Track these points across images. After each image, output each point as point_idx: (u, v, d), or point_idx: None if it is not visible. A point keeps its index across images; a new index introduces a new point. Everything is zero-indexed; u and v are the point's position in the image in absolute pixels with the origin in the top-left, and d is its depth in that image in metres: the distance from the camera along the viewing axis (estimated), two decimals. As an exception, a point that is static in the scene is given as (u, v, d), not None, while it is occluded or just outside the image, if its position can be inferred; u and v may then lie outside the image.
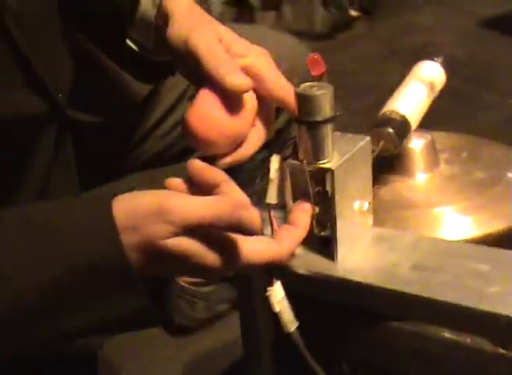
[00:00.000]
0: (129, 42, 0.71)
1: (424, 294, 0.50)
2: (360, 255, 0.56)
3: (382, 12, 3.03)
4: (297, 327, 0.54)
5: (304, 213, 0.53)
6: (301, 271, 0.55)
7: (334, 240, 0.54)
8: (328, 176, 0.52)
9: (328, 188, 0.52)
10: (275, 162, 0.54)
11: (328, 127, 0.51)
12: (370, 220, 0.59)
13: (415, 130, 0.72)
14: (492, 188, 0.68)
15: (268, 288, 0.53)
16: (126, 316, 0.51)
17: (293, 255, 0.55)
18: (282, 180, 0.55)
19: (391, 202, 0.69)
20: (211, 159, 0.56)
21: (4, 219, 0.49)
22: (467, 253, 0.54)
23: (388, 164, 0.73)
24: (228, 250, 0.49)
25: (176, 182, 0.52)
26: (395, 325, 0.53)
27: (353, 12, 3.05)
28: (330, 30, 2.88)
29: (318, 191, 0.54)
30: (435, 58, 0.76)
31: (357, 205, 0.56)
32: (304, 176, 0.52)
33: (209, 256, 0.49)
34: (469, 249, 0.55)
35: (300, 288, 0.56)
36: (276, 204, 0.55)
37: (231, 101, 0.56)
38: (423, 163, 0.72)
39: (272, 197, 0.55)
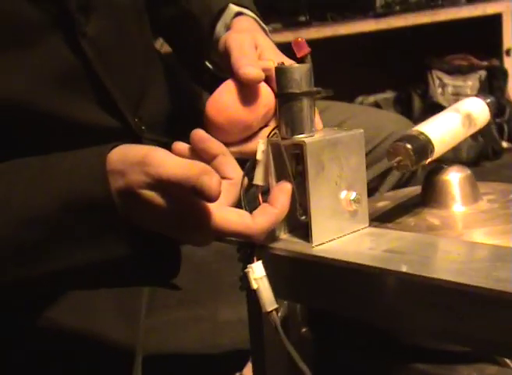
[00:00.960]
0: (206, 62, 0.79)
1: (386, 266, 0.47)
2: (340, 242, 0.54)
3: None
4: (275, 309, 0.53)
5: (282, 193, 0.54)
6: (277, 251, 0.55)
7: (309, 219, 0.53)
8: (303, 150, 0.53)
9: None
10: (262, 144, 0.56)
11: (305, 101, 0.53)
12: (362, 216, 0.57)
13: (454, 165, 0.71)
14: (525, 219, 0.64)
15: (248, 265, 0.53)
16: (111, 257, 0.54)
17: (275, 237, 0.56)
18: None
19: (413, 226, 0.66)
20: None
21: (29, 163, 0.57)
22: (447, 245, 0.51)
23: (424, 197, 0.71)
24: (199, 212, 0.51)
25: (182, 146, 0.56)
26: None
27: (504, 144, 2.99)
28: (476, 159, 2.84)
29: (299, 171, 0.54)
30: (482, 98, 0.75)
31: (343, 194, 0.56)
32: (282, 152, 0.53)
33: (182, 215, 0.51)
34: (450, 242, 0.52)
35: (281, 270, 0.55)
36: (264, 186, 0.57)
37: (247, 93, 0.60)
38: (459, 197, 0.69)
39: (258, 178, 0.56)
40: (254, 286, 0.52)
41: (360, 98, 3.07)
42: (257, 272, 0.53)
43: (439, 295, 0.44)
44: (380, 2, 2.90)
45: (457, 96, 2.84)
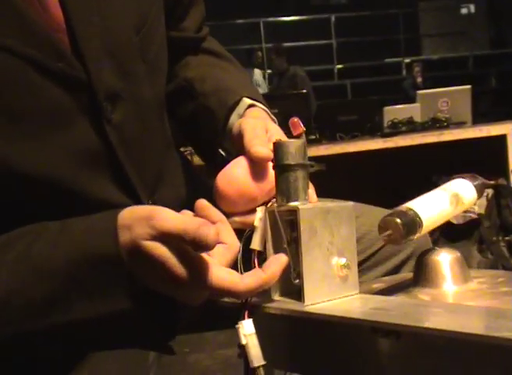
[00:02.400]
0: (220, 150, 0.85)
1: (372, 319, 0.50)
2: (330, 303, 0.58)
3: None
4: (262, 365, 0.55)
5: (276, 262, 0.58)
6: (270, 310, 0.58)
7: (302, 280, 0.57)
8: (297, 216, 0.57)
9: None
10: (259, 212, 0.61)
11: (298, 172, 0.58)
12: (352, 282, 0.61)
13: (445, 248, 0.75)
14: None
15: (239, 322, 0.57)
16: (117, 310, 0.58)
17: (268, 298, 0.59)
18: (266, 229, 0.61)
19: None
20: (225, 215, 0.65)
21: (48, 226, 0.63)
22: (429, 304, 0.54)
23: (416, 277, 0.75)
24: (196, 265, 0.56)
25: (188, 213, 0.62)
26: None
27: (513, 262, 3.00)
28: (487, 275, 2.85)
29: (293, 237, 0.59)
30: (469, 179, 0.79)
31: (334, 260, 0.60)
32: (278, 218, 0.58)
33: (178, 266, 0.56)
34: (432, 303, 0.55)
35: (273, 329, 0.58)
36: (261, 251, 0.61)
37: (256, 170, 0.66)
38: (450, 276, 0.72)
39: (255, 243, 0.61)
40: (243, 341, 0.56)
41: (369, 214, 3.13)
42: (246, 328, 0.56)
43: (421, 344, 0.47)
44: (387, 123, 3.04)
45: (465, 212, 2.90)
